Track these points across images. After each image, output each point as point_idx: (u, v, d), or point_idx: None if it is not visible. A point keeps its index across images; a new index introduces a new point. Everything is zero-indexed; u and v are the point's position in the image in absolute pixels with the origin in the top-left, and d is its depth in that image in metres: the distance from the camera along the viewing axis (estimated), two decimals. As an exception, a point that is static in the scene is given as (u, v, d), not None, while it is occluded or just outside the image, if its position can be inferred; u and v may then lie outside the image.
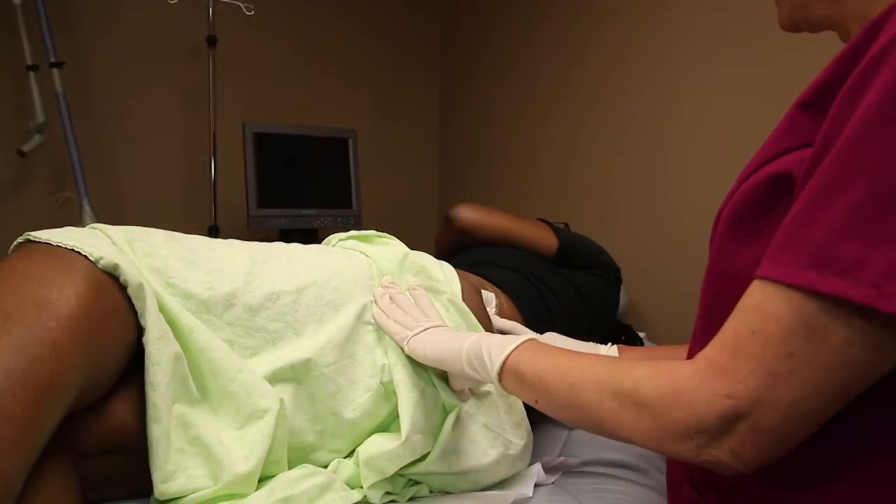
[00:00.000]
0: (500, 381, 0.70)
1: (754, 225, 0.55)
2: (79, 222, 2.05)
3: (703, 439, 0.49)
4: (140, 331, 0.73)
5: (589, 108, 2.12)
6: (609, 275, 1.44)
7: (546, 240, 1.40)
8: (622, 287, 1.79)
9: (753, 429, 0.47)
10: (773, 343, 0.46)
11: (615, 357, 0.61)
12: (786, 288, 0.46)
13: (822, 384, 0.45)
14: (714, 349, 0.50)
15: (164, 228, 0.89)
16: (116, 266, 0.71)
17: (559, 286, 1.28)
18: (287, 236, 2.30)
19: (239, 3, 2.31)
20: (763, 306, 0.47)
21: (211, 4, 2.27)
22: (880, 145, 0.43)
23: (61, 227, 0.78)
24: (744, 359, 0.47)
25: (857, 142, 0.44)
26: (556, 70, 2.26)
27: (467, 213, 1.37)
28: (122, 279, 0.71)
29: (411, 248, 1.02)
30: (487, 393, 0.91)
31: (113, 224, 0.84)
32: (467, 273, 1.08)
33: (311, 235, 2.36)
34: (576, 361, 0.62)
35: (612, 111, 2.03)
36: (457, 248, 1.43)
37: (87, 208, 2.04)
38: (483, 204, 1.43)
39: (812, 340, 0.45)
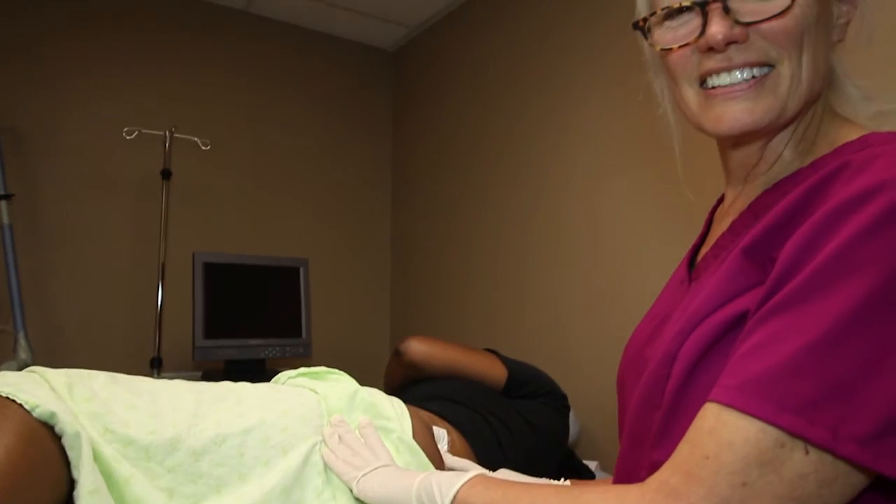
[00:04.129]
0: None
1: (714, 358, 0.57)
2: (12, 356, 1.97)
3: None
4: (73, 483, 0.69)
5: (536, 236, 2.22)
6: (557, 402, 1.45)
7: (495, 371, 1.41)
8: (574, 415, 1.80)
9: None
10: (727, 471, 0.47)
11: (566, 485, 0.61)
12: (742, 416, 0.47)
13: None
14: (666, 471, 0.51)
15: (104, 360, 0.88)
16: (53, 415, 0.69)
17: (511, 418, 1.28)
18: (233, 367, 2.24)
19: (195, 139, 2.39)
20: (718, 432, 0.48)
21: (168, 139, 2.34)
22: (839, 295, 0.47)
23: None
24: (696, 483, 0.48)
25: (817, 286, 0.48)
26: (507, 193, 2.38)
27: (417, 347, 1.38)
28: (57, 428, 0.69)
29: (361, 375, 1.02)
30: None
31: (50, 357, 0.82)
32: (418, 409, 1.08)
33: (258, 366, 2.30)
34: (526, 489, 0.62)
35: (560, 237, 2.12)
36: (407, 381, 1.43)
37: (22, 342, 1.97)
38: (433, 336, 1.44)
39: (766, 472, 0.46)
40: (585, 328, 1.97)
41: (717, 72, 0.62)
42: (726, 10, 0.59)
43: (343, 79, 3.01)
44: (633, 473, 0.65)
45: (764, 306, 0.51)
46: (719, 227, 0.73)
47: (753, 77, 0.60)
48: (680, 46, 0.63)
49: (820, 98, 0.64)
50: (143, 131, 2.30)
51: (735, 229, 0.67)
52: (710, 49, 0.60)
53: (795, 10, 0.58)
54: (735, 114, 0.61)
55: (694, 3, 0.61)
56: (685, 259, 0.77)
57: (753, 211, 0.66)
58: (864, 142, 0.60)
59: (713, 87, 0.62)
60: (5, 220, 1.99)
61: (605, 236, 1.94)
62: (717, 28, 0.59)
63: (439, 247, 2.73)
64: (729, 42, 0.59)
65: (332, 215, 2.93)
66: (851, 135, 0.63)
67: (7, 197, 2.02)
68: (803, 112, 0.63)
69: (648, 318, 0.77)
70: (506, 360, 1.45)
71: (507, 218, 2.35)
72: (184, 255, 2.39)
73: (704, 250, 0.73)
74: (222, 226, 2.63)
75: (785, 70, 0.60)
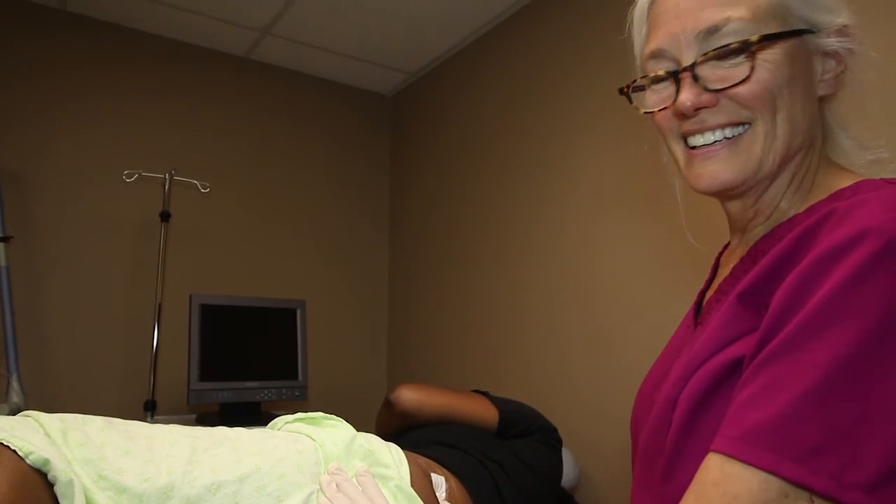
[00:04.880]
0: None
1: (714, 403, 0.57)
2: (4, 399, 1.95)
3: None
4: (64, 533, 0.68)
5: (533, 274, 2.22)
6: (549, 438, 1.44)
7: (487, 412, 1.40)
8: (573, 458, 1.77)
9: None
10: None
11: None
12: (745, 467, 0.47)
13: None
14: None
15: (97, 402, 0.87)
16: (46, 462, 0.68)
17: (507, 460, 1.26)
18: (229, 410, 2.22)
19: (195, 182, 2.41)
20: (723, 484, 0.48)
21: (167, 183, 2.36)
22: (832, 341, 0.47)
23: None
24: None
25: (809, 334, 0.49)
26: (502, 234, 2.39)
27: (408, 395, 1.37)
28: (50, 476, 0.68)
29: (358, 418, 1.01)
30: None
31: (43, 400, 0.81)
32: (416, 455, 1.07)
33: (254, 409, 2.28)
34: None
35: (558, 275, 2.13)
36: (399, 430, 1.41)
37: (14, 384, 1.95)
38: (431, 379, 1.43)
39: None
40: (585, 369, 1.96)
41: (693, 133, 0.66)
42: (696, 78, 0.63)
43: (342, 123, 3.05)
44: None
45: (759, 354, 0.52)
46: (724, 272, 0.74)
47: (726, 138, 0.64)
48: (660, 109, 0.67)
49: (813, 149, 0.66)
50: (144, 174, 2.33)
51: (735, 274, 0.69)
52: (683, 114, 0.65)
53: (760, 75, 0.61)
54: (711, 172, 0.65)
55: (667, 73, 0.65)
56: (694, 303, 0.78)
57: (752, 256, 0.67)
58: (855, 188, 0.61)
59: (693, 147, 0.66)
60: (2, 262, 1.99)
61: (603, 276, 1.94)
62: (686, 96, 0.63)
63: (436, 287, 2.73)
64: (698, 108, 0.63)
65: (329, 257, 2.93)
66: (846, 182, 0.64)
67: (6, 239, 2.02)
68: (788, 165, 0.65)
69: (660, 361, 0.78)
70: (495, 401, 1.43)
71: (503, 256, 2.36)
72: (181, 297, 2.38)
73: (710, 294, 0.75)
74: (220, 268, 2.63)
75: (759, 128, 0.62)
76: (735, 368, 0.56)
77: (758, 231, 0.69)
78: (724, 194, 0.68)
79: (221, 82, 2.73)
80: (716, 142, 0.64)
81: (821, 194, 0.65)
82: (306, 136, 2.93)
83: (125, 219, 2.45)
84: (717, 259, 0.82)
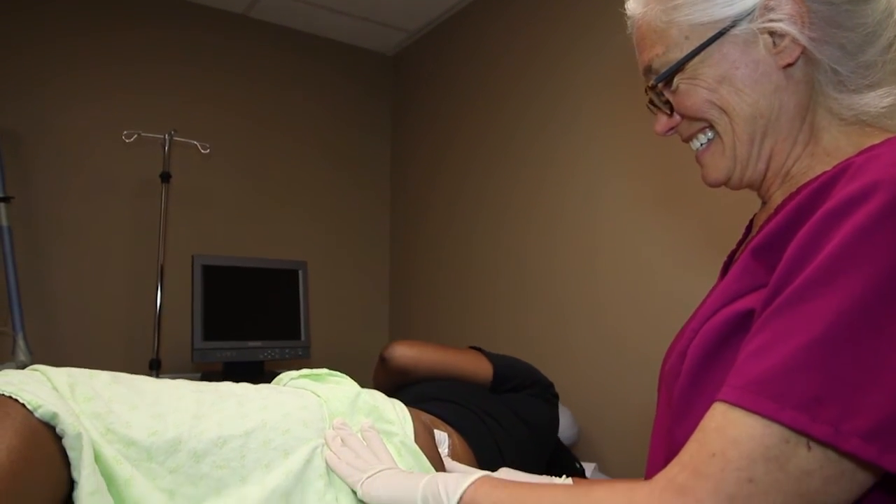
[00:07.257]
0: None
1: (723, 357, 0.58)
2: (11, 357, 1.97)
3: None
4: (73, 484, 0.69)
5: (535, 237, 2.22)
6: (545, 392, 1.45)
7: (481, 367, 1.40)
8: (573, 416, 1.80)
9: None
10: (733, 467, 0.48)
11: (570, 483, 0.62)
12: (747, 414, 0.48)
13: None
14: (674, 469, 0.51)
15: (102, 362, 0.88)
16: (55, 415, 0.69)
17: (503, 416, 1.28)
18: (232, 369, 2.24)
19: (195, 142, 2.39)
20: (725, 430, 0.49)
21: (167, 143, 2.34)
22: (838, 293, 0.48)
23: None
24: (703, 480, 0.48)
25: (817, 286, 0.49)
26: (505, 198, 2.38)
27: (403, 351, 1.37)
28: (58, 429, 0.69)
29: (360, 377, 1.01)
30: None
31: (49, 359, 0.82)
32: (420, 412, 1.08)
33: (257, 368, 2.30)
34: (532, 489, 0.63)
35: (559, 239, 2.13)
36: (395, 387, 1.42)
37: (20, 343, 1.97)
38: (433, 338, 1.44)
39: (772, 468, 0.47)
40: (586, 330, 1.97)
41: (686, 142, 0.75)
42: (666, 103, 0.72)
43: (342, 82, 3.01)
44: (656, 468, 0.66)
45: (769, 307, 0.52)
46: (755, 231, 0.75)
47: (703, 143, 0.72)
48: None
49: (800, 116, 0.65)
50: (143, 134, 2.30)
51: (760, 231, 0.68)
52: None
53: (681, 97, 0.69)
54: (703, 175, 0.74)
55: (649, 103, 0.75)
56: (724, 262, 0.80)
57: (776, 213, 0.67)
58: (884, 144, 0.60)
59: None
60: (4, 223, 1.99)
61: (604, 239, 1.94)
62: (657, 127, 0.75)
63: (438, 248, 2.73)
64: (669, 129, 0.74)
65: (331, 218, 2.93)
66: (878, 138, 0.62)
67: (6, 199, 2.02)
68: (770, 141, 0.67)
69: (691, 316, 0.79)
70: (490, 356, 1.44)
71: (506, 219, 2.35)
72: (183, 258, 2.39)
73: (739, 253, 0.76)
74: (221, 229, 2.63)
75: (719, 128, 0.69)
76: (744, 321, 0.57)
77: (779, 193, 0.69)
78: (728, 186, 0.73)
79: (220, 41, 2.69)
80: (701, 145, 0.72)
81: (850, 151, 0.64)
82: (306, 96, 2.90)
83: (125, 179, 2.44)
84: (752, 219, 0.82)
